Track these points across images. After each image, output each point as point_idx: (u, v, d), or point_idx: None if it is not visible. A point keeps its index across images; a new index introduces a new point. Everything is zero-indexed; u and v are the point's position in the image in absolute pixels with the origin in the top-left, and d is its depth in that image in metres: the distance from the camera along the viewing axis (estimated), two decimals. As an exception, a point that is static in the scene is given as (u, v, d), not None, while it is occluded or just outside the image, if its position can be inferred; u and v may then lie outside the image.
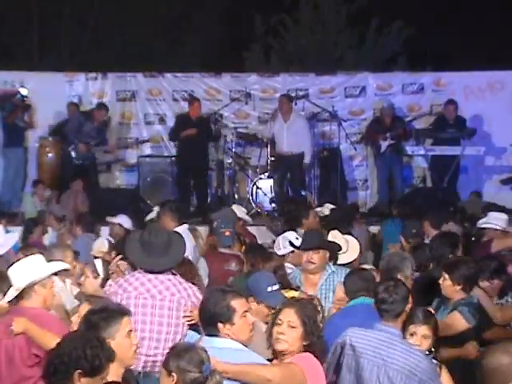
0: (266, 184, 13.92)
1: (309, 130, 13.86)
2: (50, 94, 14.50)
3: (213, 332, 4.49)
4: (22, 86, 14.01)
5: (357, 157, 15.20)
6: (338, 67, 17.49)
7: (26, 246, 8.23)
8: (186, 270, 6.51)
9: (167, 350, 5.30)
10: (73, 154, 13.78)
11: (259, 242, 9.93)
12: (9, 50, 20.36)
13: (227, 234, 8.31)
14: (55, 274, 5.49)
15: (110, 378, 3.98)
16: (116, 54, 20.03)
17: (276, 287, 5.57)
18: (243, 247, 8.53)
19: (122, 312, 4.44)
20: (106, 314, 4.37)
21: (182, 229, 8.26)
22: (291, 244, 7.46)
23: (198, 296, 5.81)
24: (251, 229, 10.91)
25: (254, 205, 13.80)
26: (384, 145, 13.85)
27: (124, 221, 10.11)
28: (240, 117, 15.35)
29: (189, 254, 7.57)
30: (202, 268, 7.68)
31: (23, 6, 20.59)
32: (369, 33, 20.35)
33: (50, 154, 14.05)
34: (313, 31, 20.61)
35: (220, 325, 4.47)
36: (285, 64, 19.81)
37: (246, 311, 4.54)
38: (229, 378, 4.27)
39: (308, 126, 13.93)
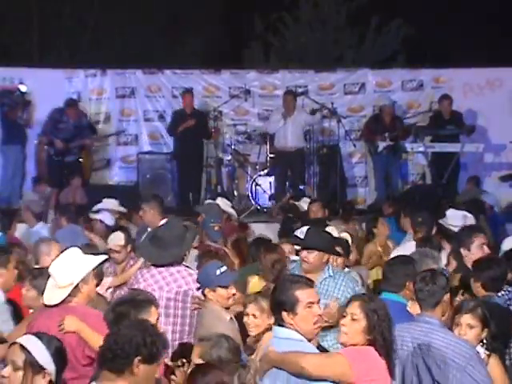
0: (265, 181, 13.93)
1: (310, 124, 13.95)
2: (49, 90, 14.48)
3: (278, 320, 4.55)
4: (21, 83, 14.01)
5: (356, 154, 15.21)
6: (338, 66, 17.47)
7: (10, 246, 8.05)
8: None
9: (176, 341, 5.54)
10: (51, 151, 13.73)
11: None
12: (9, 49, 20.33)
13: (216, 228, 8.44)
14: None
15: None
16: (116, 53, 20.01)
17: (224, 269, 5.70)
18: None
19: (150, 301, 4.57)
20: (135, 303, 4.42)
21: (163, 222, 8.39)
22: (295, 238, 7.32)
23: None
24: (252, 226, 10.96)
25: (253, 202, 13.80)
26: (382, 145, 13.86)
27: (106, 217, 9.95)
28: (239, 113, 15.35)
29: None
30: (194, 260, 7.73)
31: (23, 5, 20.58)
32: (368, 31, 20.34)
33: (49, 152, 14.01)
34: (312, 29, 20.61)
35: (284, 313, 4.50)
36: (284, 62, 19.81)
37: (313, 302, 4.53)
38: (277, 367, 4.38)
39: (309, 121, 13.98)
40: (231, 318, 5.62)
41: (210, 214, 8.69)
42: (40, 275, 5.68)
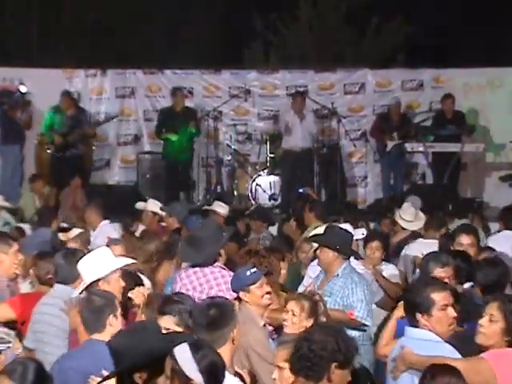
0: (265, 181, 13.93)
1: (314, 125, 13.98)
2: (49, 90, 14.45)
3: (412, 322, 4.58)
4: (22, 84, 14.00)
5: (356, 153, 15.20)
6: (338, 64, 17.46)
7: None
8: None
9: None
10: (51, 148, 13.65)
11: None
12: (8, 49, 20.31)
13: None
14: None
15: None
16: (115, 52, 20.00)
17: (254, 270, 5.65)
18: None
19: None
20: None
21: (104, 223, 8.68)
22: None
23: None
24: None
25: (253, 202, 13.80)
26: (391, 144, 13.86)
27: None
28: (239, 113, 15.34)
29: None
30: None
31: (23, 5, 20.56)
32: (368, 31, 20.33)
33: (48, 151, 13.99)
34: (312, 28, 20.60)
35: (418, 315, 4.53)
36: (284, 61, 19.80)
37: (447, 305, 4.55)
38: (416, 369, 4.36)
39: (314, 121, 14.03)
40: (264, 325, 5.60)
41: (174, 213, 8.89)
42: None
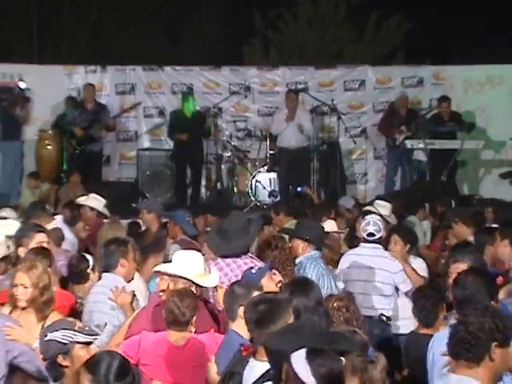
0: (265, 177, 13.93)
1: (311, 123, 13.94)
2: (49, 87, 14.45)
3: None
4: (21, 80, 13.99)
5: (356, 150, 15.20)
6: (337, 62, 17.46)
7: None
8: None
9: None
10: (73, 142, 13.67)
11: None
12: (8, 45, 20.32)
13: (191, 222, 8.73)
14: None
15: None
16: (116, 49, 20.01)
17: (256, 268, 5.77)
18: None
19: None
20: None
21: (58, 220, 8.45)
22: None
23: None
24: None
25: (253, 198, 13.80)
26: (400, 138, 13.89)
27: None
28: (239, 110, 15.34)
29: (68, 246, 7.99)
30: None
31: (23, 1, 20.57)
32: (368, 28, 20.32)
33: (49, 147, 13.98)
34: (312, 26, 20.59)
35: None
36: (284, 59, 19.80)
37: None
38: None
39: (311, 119, 14.01)
40: None
41: (153, 209, 8.94)
42: None
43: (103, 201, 9.95)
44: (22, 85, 13.80)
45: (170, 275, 5.42)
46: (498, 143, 14.76)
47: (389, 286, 7.30)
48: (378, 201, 9.71)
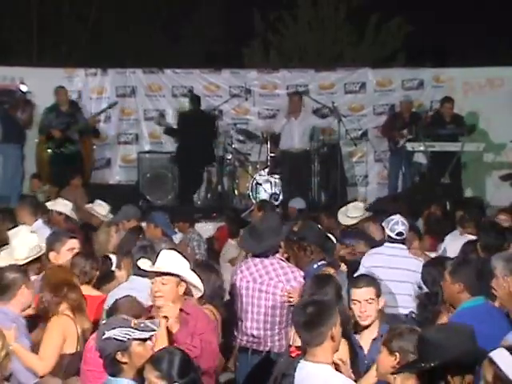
0: (266, 180, 13.94)
1: (313, 125, 13.98)
2: (49, 90, 14.43)
3: None
4: (22, 83, 13.99)
5: (357, 153, 15.21)
6: (337, 64, 17.47)
7: None
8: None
9: (268, 331, 6.12)
10: (51, 144, 13.64)
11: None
12: (9, 48, 20.33)
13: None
14: None
15: None
16: (116, 49, 20.02)
17: None
18: None
19: None
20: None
21: (38, 224, 8.40)
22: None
23: (300, 280, 6.23)
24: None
25: (253, 201, 13.80)
26: (402, 141, 13.91)
27: None
28: (240, 112, 15.36)
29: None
30: None
31: (23, 4, 20.57)
32: (368, 30, 20.33)
33: (49, 150, 13.99)
34: (312, 28, 20.60)
35: None
36: (284, 61, 19.81)
37: None
38: None
39: (313, 121, 14.04)
40: None
41: (131, 216, 8.86)
42: None
43: (70, 204, 9.59)
44: (24, 88, 13.79)
45: (161, 274, 5.22)
46: (499, 145, 14.76)
47: (415, 285, 7.25)
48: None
